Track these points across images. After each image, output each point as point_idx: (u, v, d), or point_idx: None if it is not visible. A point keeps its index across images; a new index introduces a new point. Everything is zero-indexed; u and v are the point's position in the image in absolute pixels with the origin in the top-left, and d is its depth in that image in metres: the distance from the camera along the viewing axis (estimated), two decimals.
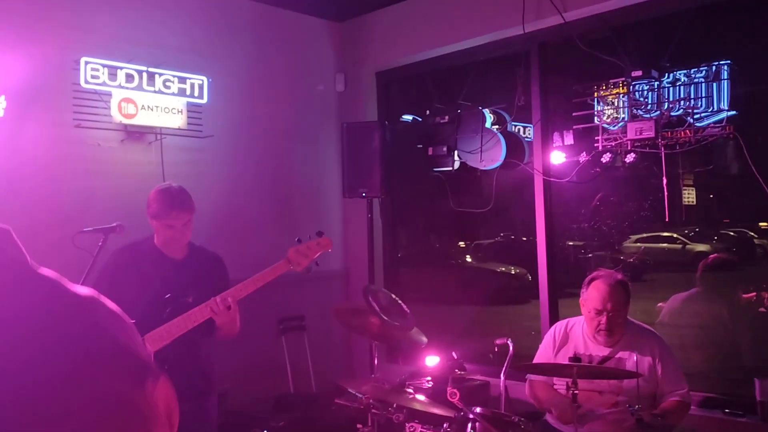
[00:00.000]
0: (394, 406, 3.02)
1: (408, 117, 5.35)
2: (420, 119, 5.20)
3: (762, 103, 3.79)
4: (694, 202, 6.73)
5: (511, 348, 3.56)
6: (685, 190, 6.09)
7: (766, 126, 3.74)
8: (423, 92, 5.56)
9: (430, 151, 4.89)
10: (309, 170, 5.55)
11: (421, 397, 3.20)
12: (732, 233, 10.08)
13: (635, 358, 3.18)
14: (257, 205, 5.16)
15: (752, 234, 9.78)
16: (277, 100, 5.33)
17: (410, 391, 3.32)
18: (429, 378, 4.44)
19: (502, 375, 3.53)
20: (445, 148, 4.83)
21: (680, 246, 9.65)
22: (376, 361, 3.91)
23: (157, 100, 4.44)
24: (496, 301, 8.80)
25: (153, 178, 4.24)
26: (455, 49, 5.09)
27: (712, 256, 4.63)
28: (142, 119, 4.39)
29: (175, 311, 2.99)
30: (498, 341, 3.66)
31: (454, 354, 3.75)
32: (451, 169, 4.87)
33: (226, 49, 5.02)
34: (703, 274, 4.45)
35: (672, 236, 9.72)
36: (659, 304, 4.89)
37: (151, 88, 4.41)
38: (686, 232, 10.14)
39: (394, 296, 3.55)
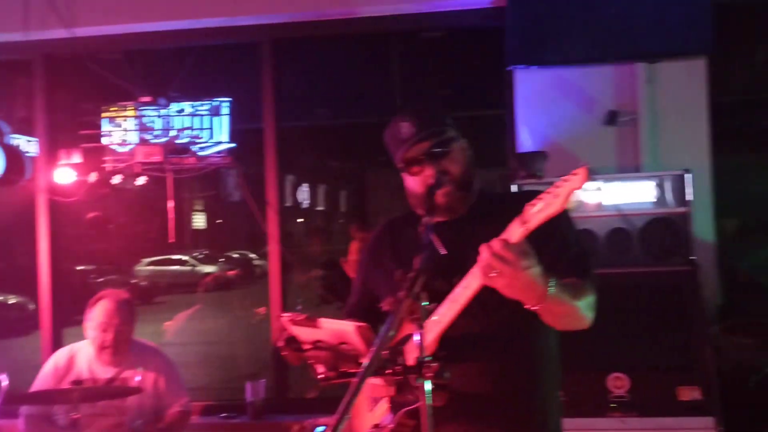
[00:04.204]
0: None
1: None
2: None
3: (255, 139, 4.33)
4: (205, 226, 7.25)
5: (4, 384, 3.22)
6: (195, 215, 6.52)
7: (258, 159, 4.29)
8: None
9: None
10: None
11: None
12: (236, 255, 11.28)
13: (140, 375, 3.25)
14: None
15: (252, 256, 11.07)
16: None
17: None
18: None
19: None
20: None
21: (190, 268, 10.28)
22: None
23: None
24: None
25: None
26: None
27: (210, 276, 5.08)
28: None
29: None
30: None
31: None
32: None
33: None
34: (205, 292, 4.84)
35: (182, 259, 10.28)
36: (165, 324, 5.11)
37: None
38: (196, 254, 10.90)
39: None
